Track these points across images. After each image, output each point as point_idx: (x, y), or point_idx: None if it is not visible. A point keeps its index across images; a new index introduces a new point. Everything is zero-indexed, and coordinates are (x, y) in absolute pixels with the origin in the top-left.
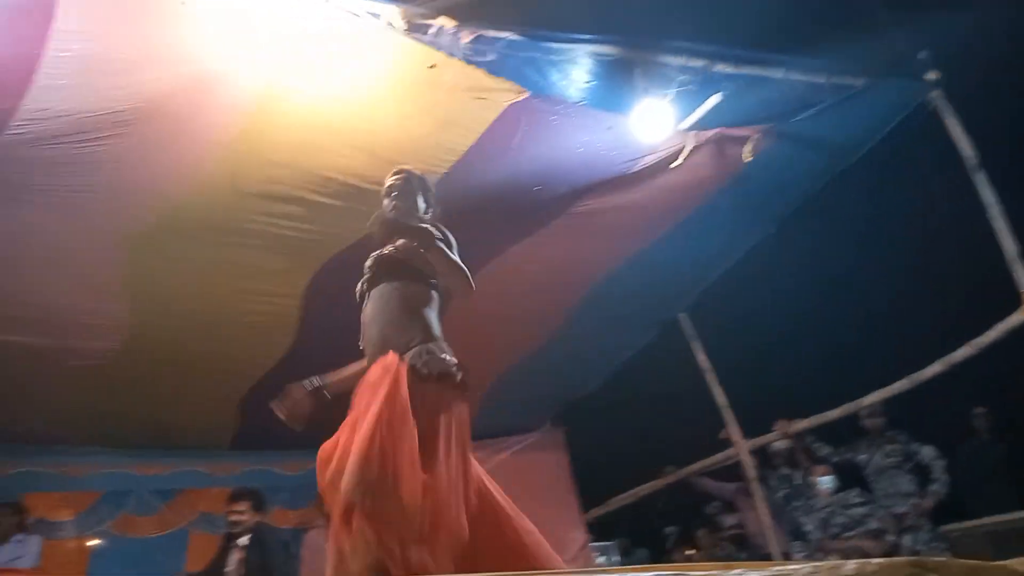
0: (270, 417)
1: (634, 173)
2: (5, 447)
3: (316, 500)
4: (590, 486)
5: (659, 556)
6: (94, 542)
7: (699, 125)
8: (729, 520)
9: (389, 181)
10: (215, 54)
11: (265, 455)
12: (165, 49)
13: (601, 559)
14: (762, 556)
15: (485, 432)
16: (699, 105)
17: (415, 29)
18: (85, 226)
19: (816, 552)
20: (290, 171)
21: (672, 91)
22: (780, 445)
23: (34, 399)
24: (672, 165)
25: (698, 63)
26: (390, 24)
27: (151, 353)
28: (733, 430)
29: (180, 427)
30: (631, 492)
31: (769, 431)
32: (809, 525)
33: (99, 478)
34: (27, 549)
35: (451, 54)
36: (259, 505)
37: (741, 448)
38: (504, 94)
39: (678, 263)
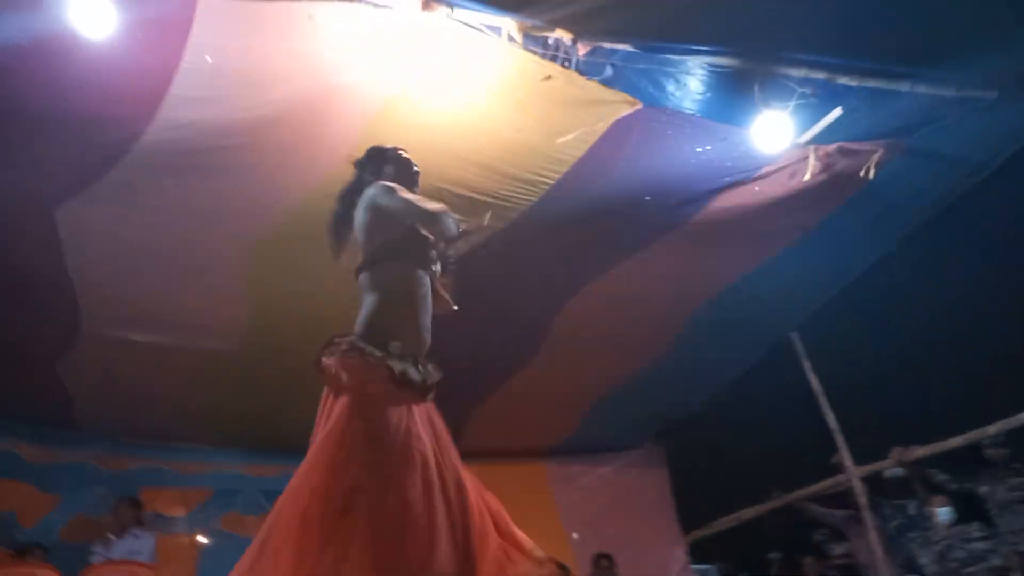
0: None
1: (748, 186)
2: (126, 443)
3: None
4: (692, 506)
5: None
6: (204, 539)
7: (819, 139)
8: (838, 549)
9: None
10: (340, 66)
11: None
12: (293, 62)
13: None
14: None
15: (586, 447)
16: (820, 119)
17: (532, 42)
18: (213, 231)
19: None
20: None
21: (791, 103)
22: (895, 473)
23: (155, 397)
24: (800, 179)
25: (820, 75)
26: (509, 37)
27: (266, 354)
28: (845, 455)
29: (290, 430)
30: (734, 515)
31: (883, 458)
32: (924, 558)
33: (211, 477)
34: (144, 545)
35: (566, 66)
36: None
37: (852, 474)
38: (617, 106)
39: (792, 280)
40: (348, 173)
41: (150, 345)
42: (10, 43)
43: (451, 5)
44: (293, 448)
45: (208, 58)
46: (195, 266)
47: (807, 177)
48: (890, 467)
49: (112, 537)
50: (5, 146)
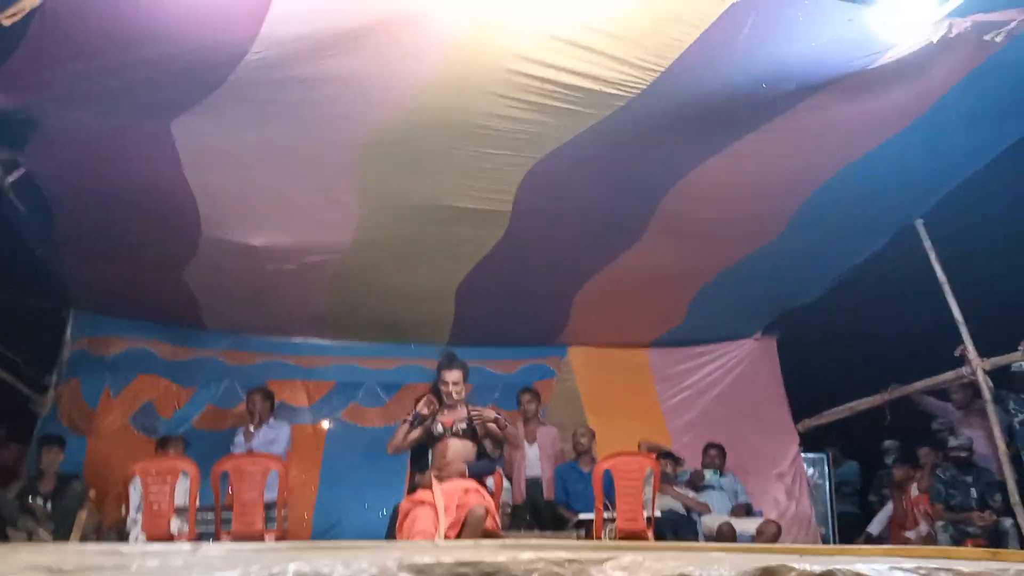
0: (481, 311)
1: (873, 70)
2: (250, 339)
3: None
4: (804, 396)
5: (872, 470)
6: (327, 428)
7: (955, 13)
8: (955, 441)
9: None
10: None
11: (480, 351)
12: None
13: (811, 471)
14: (990, 482)
15: (695, 338)
16: None
17: None
18: (320, 136)
19: None
20: (507, 74)
21: None
22: (1022, 367)
23: (274, 296)
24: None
25: None
26: None
27: (377, 247)
28: (969, 347)
29: (403, 323)
30: (848, 406)
31: (1012, 351)
32: None
33: (332, 370)
34: (280, 434)
35: None
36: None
37: (977, 366)
38: None
39: (915, 163)
40: (449, 69)
41: (266, 249)
42: None
43: None
44: (405, 340)
45: None
46: (305, 172)
47: (936, 39)
48: (1018, 360)
49: (251, 428)
50: (123, 67)
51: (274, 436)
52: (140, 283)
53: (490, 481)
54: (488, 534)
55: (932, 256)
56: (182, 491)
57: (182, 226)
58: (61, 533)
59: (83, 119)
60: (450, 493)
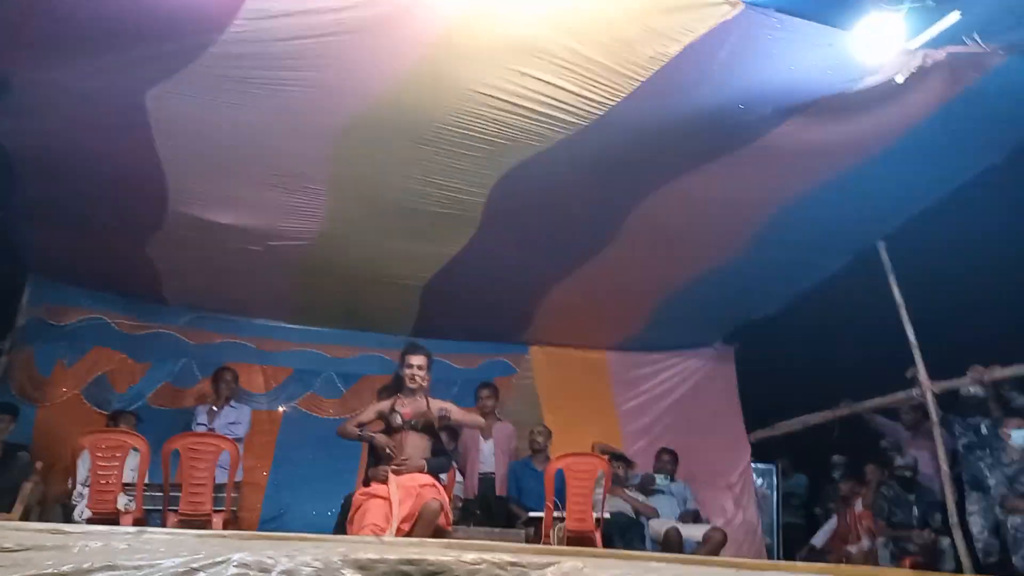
0: (446, 307)
1: (849, 95)
2: (211, 318)
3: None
4: (757, 407)
5: (819, 483)
6: (283, 414)
7: (930, 44)
8: (901, 459)
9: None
10: None
11: (443, 345)
12: None
13: (759, 481)
14: (931, 502)
15: (655, 344)
16: (935, 22)
17: None
18: (294, 120)
19: (997, 506)
20: (488, 75)
21: (905, 6)
22: (972, 391)
23: (238, 276)
24: (894, 80)
25: None
26: None
27: (345, 238)
28: (921, 369)
29: (367, 313)
30: (800, 419)
31: (961, 376)
32: (992, 480)
33: (292, 355)
34: (243, 416)
35: None
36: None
37: (927, 388)
38: (717, 8)
39: (884, 187)
40: (429, 66)
41: (233, 228)
42: None
43: None
44: (368, 329)
45: None
46: (277, 156)
47: (900, 79)
48: (967, 384)
49: (215, 408)
50: (98, 31)
51: (236, 417)
52: (102, 253)
53: (444, 476)
54: (439, 531)
55: (891, 278)
56: (131, 467)
57: (149, 198)
58: (4, 504)
59: (55, 82)
60: (406, 487)
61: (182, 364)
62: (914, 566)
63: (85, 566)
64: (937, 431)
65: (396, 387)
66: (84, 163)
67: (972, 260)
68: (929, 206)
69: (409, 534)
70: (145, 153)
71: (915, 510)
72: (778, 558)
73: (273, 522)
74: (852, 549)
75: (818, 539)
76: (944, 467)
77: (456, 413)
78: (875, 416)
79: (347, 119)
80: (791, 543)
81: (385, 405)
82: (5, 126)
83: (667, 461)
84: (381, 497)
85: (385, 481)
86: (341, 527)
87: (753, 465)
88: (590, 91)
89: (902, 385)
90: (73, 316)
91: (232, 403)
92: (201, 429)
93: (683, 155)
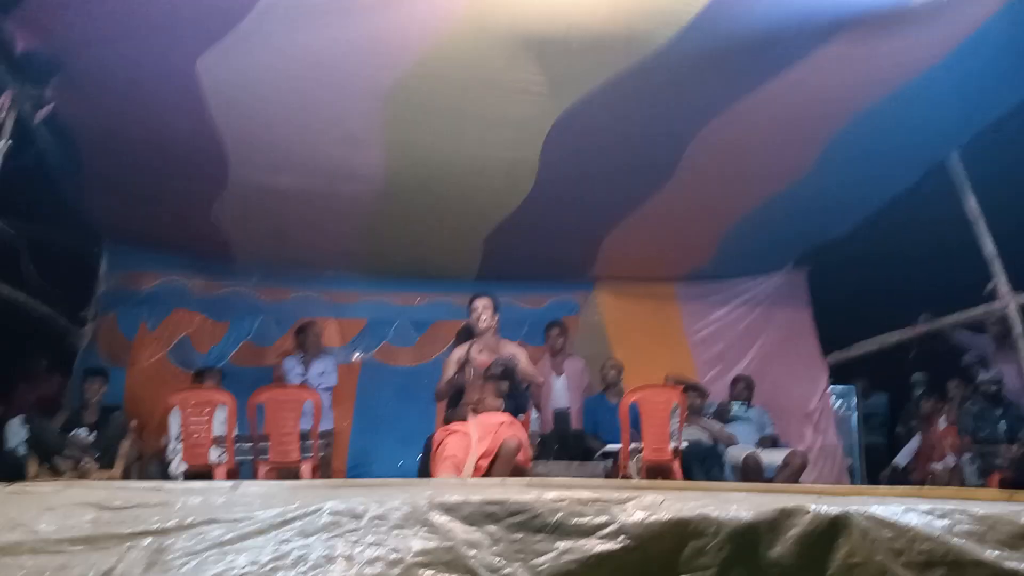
0: (510, 250)
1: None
2: (283, 275)
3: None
4: (833, 329)
5: (900, 402)
6: (361, 365)
7: None
8: (985, 374)
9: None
10: None
11: (508, 287)
12: None
13: (839, 403)
14: (1018, 416)
15: (724, 272)
16: None
17: None
18: (347, 78)
19: None
20: (535, 20)
21: None
22: None
23: (304, 234)
24: None
25: None
26: None
27: (407, 194)
28: (1001, 282)
29: (432, 262)
30: (877, 339)
31: None
32: None
33: (363, 307)
34: (330, 366)
35: None
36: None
37: (1009, 301)
38: None
39: (953, 97)
40: (477, 14)
41: (295, 188)
42: None
43: None
44: (436, 277)
45: None
46: (332, 113)
47: None
48: None
49: (304, 360)
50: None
51: (324, 368)
52: (171, 219)
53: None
54: (518, 469)
55: (967, 189)
56: (220, 422)
57: (211, 163)
58: (105, 462)
59: (106, 58)
60: (485, 425)
61: (259, 322)
62: (1003, 482)
63: (188, 520)
64: (1021, 344)
65: (467, 334)
66: (144, 135)
67: None
68: (1003, 113)
69: (488, 471)
70: (200, 119)
71: (1002, 425)
72: (862, 479)
73: (359, 468)
74: (937, 467)
75: (901, 458)
76: None
77: (523, 363)
78: (957, 330)
79: (399, 72)
80: (874, 464)
81: (462, 354)
82: (64, 104)
83: (742, 388)
84: (461, 432)
85: (465, 420)
86: (425, 470)
87: (832, 387)
88: (646, 24)
89: (982, 300)
90: (150, 281)
91: (320, 355)
92: (296, 381)
93: (741, 78)
